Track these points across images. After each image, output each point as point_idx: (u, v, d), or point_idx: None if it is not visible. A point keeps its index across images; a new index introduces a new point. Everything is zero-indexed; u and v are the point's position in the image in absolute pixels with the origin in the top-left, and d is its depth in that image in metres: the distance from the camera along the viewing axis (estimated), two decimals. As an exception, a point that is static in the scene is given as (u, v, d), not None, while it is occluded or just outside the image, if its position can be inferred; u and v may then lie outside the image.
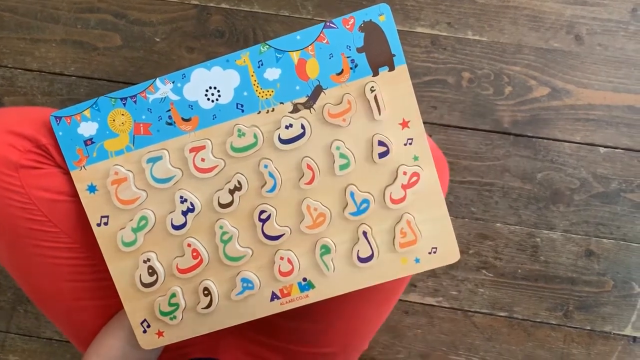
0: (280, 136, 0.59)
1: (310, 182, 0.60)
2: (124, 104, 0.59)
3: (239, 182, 0.60)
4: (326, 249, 0.61)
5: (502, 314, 0.95)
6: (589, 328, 0.94)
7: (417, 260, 0.62)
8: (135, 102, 0.59)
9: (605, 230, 0.93)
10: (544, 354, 0.95)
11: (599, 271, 0.93)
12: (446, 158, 0.68)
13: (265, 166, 0.59)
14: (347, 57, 0.58)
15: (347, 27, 0.58)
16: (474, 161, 0.93)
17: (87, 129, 0.59)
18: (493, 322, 0.95)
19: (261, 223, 0.61)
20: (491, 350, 0.95)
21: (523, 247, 0.94)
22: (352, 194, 0.60)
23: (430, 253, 0.62)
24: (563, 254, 0.93)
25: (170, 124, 0.59)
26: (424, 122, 0.92)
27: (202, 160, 0.59)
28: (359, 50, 0.58)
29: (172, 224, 0.60)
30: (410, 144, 0.59)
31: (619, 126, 0.92)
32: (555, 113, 0.92)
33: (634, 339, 0.94)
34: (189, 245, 0.61)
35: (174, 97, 0.59)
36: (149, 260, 0.61)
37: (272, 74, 0.58)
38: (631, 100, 0.92)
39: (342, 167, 0.60)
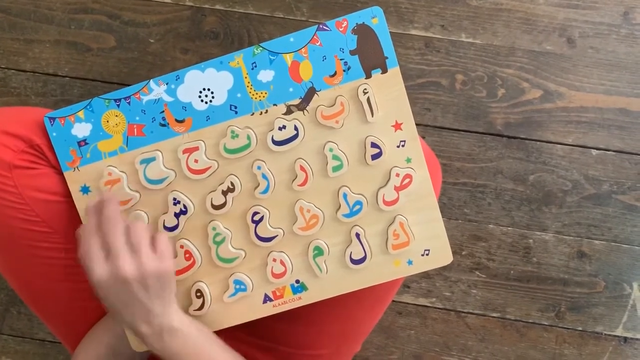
0: (274, 138, 0.59)
1: (303, 184, 0.60)
2: (118, 105, 0.59)
3: (232, 184, 0.60)
4: (319, 251, 0.61)
5: (494, 314, 0.95)
6: (580, 329, 0.95)
7: (410, 262, 0.62)
8: (129, 103, 0.59)
9: (596, 231, 0.93)
10: (536, 355, 0.95)
11: (591, 272, 0.94)
12: (439, 160, 0.68)
13: (259, 167, 0.60)
14: (340, 60, 0.58)
15: (340, 29, 0.58)
16: (467, 163, 0.94)
17: (81, 130, 0.59)
18: (486, 322, 0.95)
19: (254, 224, 0.61)
20: (484, 351, 0.96)
21: (515, 249, 0.94)
22: (345, 196, 0.60)
23: (423, 255, 0.62)
24: (555, 255, 0.94)
25: (163, 125, 0.59)
26: (418, 124, 0.92)
27: (196, 161, 0.59)
28: (352, 52, 0.58)
29: (164, 226, 0.60)
30: (403, 146, 0.60)
31: (611, 128, 0.93)
32: (548, 115, 0.93)
33: (625, 339, 0.95)
34: (181, 247, 0.61)
35: (167, 98, 0.59)
36: (142, 261, 0.61)
37: (266, 75, 0.58)
38: (623, 103, 0.92)
39: (335, 169, 0.60)
